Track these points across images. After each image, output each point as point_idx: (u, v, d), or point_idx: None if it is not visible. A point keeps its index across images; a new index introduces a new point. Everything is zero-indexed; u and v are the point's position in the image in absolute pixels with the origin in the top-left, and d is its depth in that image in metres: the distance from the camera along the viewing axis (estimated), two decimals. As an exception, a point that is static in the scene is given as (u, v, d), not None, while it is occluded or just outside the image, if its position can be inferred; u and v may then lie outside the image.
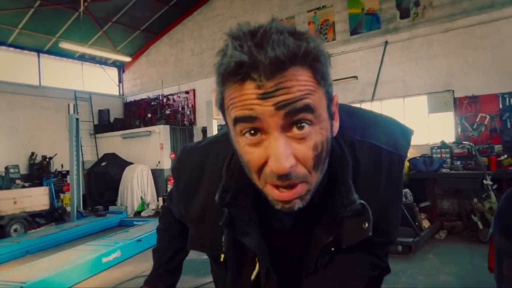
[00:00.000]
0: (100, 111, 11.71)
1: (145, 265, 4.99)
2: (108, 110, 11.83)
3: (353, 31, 7.97)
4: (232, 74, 0.55)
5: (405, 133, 0.79)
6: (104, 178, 9.71)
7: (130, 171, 9.32)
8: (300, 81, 0.55)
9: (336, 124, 0.67)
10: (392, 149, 0.74)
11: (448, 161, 6.25)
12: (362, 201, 0.67)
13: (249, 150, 0.59)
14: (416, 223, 5.19)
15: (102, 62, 12.36)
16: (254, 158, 0.58)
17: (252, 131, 0.57)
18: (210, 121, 7.47)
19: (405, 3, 7.23)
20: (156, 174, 9.79)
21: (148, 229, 6.18)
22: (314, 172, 0.60)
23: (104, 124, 11.61)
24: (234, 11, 9.95)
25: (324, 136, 0.60)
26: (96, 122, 11.70)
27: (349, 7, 7.96)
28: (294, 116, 0.55)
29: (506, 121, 6.12)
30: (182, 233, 1.07)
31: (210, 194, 0.73)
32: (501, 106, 6.16)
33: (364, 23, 7.81)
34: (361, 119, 0.79)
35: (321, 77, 0.58)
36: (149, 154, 9.95)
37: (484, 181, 5.14)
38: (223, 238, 0.74)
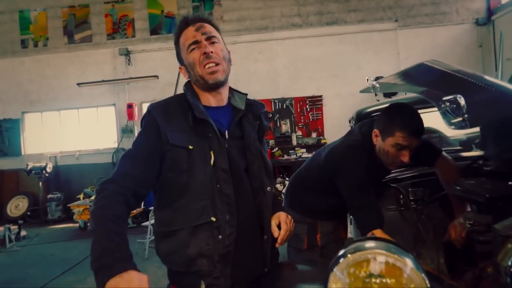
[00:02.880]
0: None
1: None
2: None
3: (153, 31, 8.14)
4: (181, 25, 1.27)
5: None
6: None
7: None
8: (207, 26, 1.26)
9: (230, 63, 1.29)
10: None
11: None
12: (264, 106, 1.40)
13: (193, 54, 1.23)
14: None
15: None
16: (196, 56, 1.22)
17: (196, 47, 1.23)
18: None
19: (200, 13, 7.97)
20: None
21: None
22: (224, 61, 1.24)
23: None
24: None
25: (225, 51, 1.27)
26: None
27: (149, 7, 8.08)
28: (210, 38, 1.24)
29: (276, 121, 7.76)
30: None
31: (178, 111, 1.23)
32: (273, 109, 7.75)
33: (164, 25, 8.11)
34: None
35: (216, 30, 1.28)
36: None
37: (264, 169, 6.38)
38: (189, 117, 1.21)
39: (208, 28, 1.25)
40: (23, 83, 8.25)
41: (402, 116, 1.55)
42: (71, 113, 8.43)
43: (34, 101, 8.28)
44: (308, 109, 7.79)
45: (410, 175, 1.91)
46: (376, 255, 0.72)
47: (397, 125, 1.53)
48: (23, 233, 6.21)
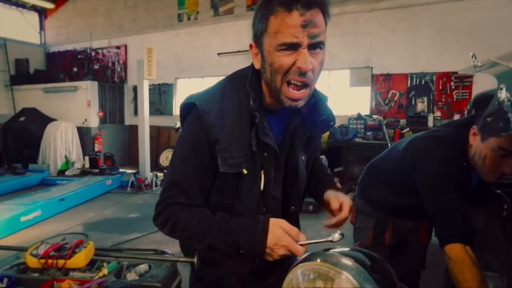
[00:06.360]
0: (17, 61, 10.64)
1: (67, 224, 5.01)
2: (27, 60, 10.79)
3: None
4: (281, 4, 0.85)
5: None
6: (23, 135, 9.07)
7: (53, 128, 8.82)
8: (319, 21, 0.87)
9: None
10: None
11: (362, 132, 6.97)
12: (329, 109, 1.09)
13: (283, 59, 0.88)
14: (328, 186, 5.82)
15: (19, 4, 11.07)
16: (286, 62, 0.88)
17: (292, 52, 0.87)
18: (141, 81, 7.31)
19: (338, -22, 7.52)
20: (83, 132, 9.39)
21: (71, 188, 6.09)
22: (314, 81, 0.94)
23: (23, 75, 10.61)
24: (171, -35, 9.47)
25: (324, 57, 0.92)
26: (12, 72, 10.66)
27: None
28: (315, 44, 0.87)
29: (411, 99, 6.95)
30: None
31: (235, 117, 1.00)
32: (408, 85, 6.94)
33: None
34: None
35: (326, 22, 0.90)
36: (74, 111, 9.44)
37: (387, 150, 5.89)
38: (252, 139, 0.99)
39: (319, 22, 0.86)
40: (177, 52, 9.53)
41: None
42: (212, 80, 9.37)
43: (184, 69, 9.52)
44: (453, 87, 6.69)
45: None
46: (338, 275, 0.61)
47: (505, 124, 1.20)
48: (167, 181, 7.47)
